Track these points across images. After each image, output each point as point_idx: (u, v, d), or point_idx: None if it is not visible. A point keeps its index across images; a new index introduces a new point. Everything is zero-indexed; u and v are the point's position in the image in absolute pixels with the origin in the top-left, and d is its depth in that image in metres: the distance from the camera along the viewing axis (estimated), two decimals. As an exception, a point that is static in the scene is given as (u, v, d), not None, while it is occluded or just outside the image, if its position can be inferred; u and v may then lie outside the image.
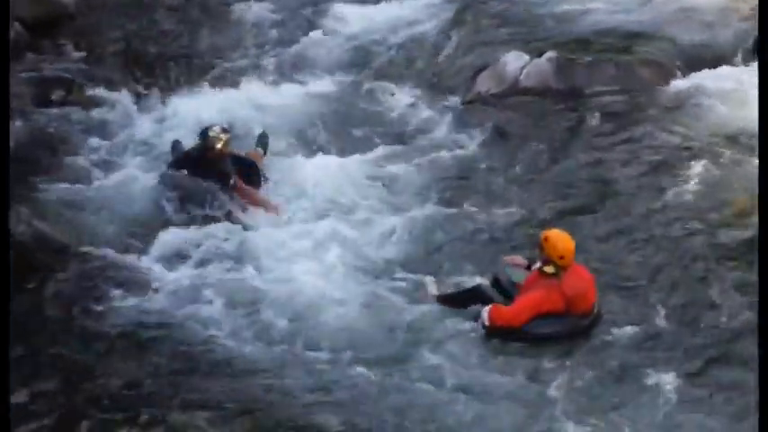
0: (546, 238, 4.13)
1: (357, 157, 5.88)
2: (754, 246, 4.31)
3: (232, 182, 5.10)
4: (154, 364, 3.87)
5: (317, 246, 4.77)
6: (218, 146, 5.03)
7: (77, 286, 4.42)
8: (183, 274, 4.50)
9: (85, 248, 4.67)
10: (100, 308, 4.25)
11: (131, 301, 4.29)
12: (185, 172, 5.10)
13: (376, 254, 4.85)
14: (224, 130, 5.13)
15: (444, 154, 5.82)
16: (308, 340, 4.12)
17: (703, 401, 3.74)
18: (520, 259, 4.58)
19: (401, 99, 6.52)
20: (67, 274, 4.49)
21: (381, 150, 5.96)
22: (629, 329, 4.04)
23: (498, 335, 4.16)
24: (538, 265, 4.22)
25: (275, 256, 4.77)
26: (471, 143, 5.96)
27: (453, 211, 5.22)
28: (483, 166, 5.76)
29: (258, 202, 5.18)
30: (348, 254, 4.80)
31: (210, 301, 4.32)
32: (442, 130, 6.19)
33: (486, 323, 4.17)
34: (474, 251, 4.95)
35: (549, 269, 4.09)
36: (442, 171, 5.68)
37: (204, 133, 5.07)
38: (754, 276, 4.21)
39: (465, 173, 5.70)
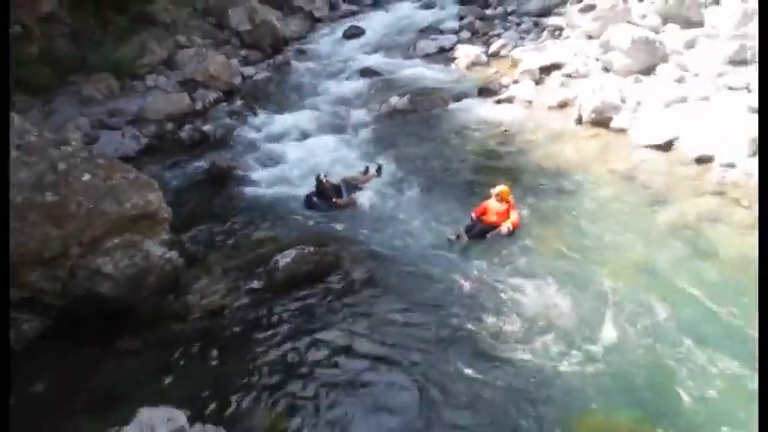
0: (502, 190, 10.01)
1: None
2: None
3: (333, 200, 11.34)
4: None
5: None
6: (323, 179, 11.41)
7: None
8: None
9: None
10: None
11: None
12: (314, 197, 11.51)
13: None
14: (324, 176, 11.48)
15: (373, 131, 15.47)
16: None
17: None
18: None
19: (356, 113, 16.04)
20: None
21: (342, 136, 14.98)
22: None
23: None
24: (492, 200, 10.05)
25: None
26: (383, 127, 15.63)
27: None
28: (396, 131, 14.85)
29: (343, 205, 11.31)
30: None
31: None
32: (372, 124, 15.84)
33: (510, 229, 9.86)
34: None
35: (503, 203, 10.02)
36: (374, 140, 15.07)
37: (317, 178, 11.41)
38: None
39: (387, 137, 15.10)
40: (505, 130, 13.97)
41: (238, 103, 16.60)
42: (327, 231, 10.61)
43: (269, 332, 8.14)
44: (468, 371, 7.40)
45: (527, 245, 9.94)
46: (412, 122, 15.06)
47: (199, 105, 15.93)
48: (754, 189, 10.65)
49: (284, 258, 9.31)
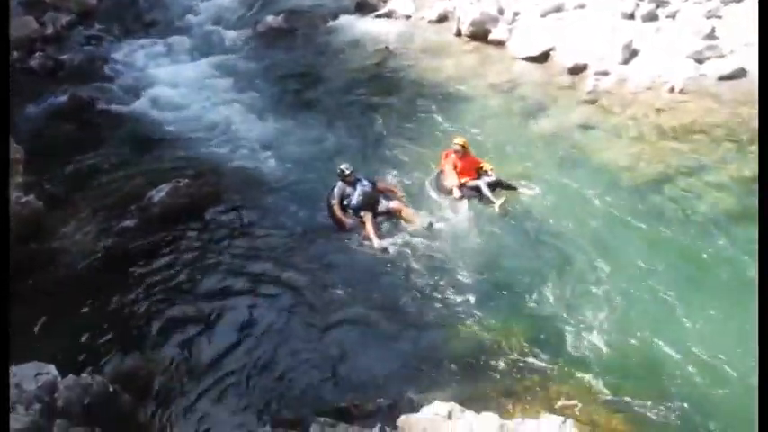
0: (466, 141, 8.80)
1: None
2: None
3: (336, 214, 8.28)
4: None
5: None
6: (346, 172, 8.41)
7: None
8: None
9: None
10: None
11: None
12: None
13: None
14: (347, 167, 8.47)
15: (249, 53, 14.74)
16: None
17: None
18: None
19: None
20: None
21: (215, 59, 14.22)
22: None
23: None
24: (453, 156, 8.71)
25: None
26: (259, 48, 14.74)
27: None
28: (273, 51, 14.13)
29: (343, 225, 8.27)
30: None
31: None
32: (247, 45, 14.90)
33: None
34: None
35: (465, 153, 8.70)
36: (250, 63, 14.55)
37: (341, 170, 8.45)
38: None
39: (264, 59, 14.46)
40: (386, 47, 13.63)
41: (97, 26, 15.04)
42: (204, 160, 9.99)
43: (146, 272, 7.65)
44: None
45: (406, 161, 9.91)
46: (289, 42, 14.44)
47: (50, 30, 14.29)
48: (625, 96, 11.13)
49: (159, 193, 8.74)
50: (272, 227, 8.47)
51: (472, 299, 7.18)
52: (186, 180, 8.97)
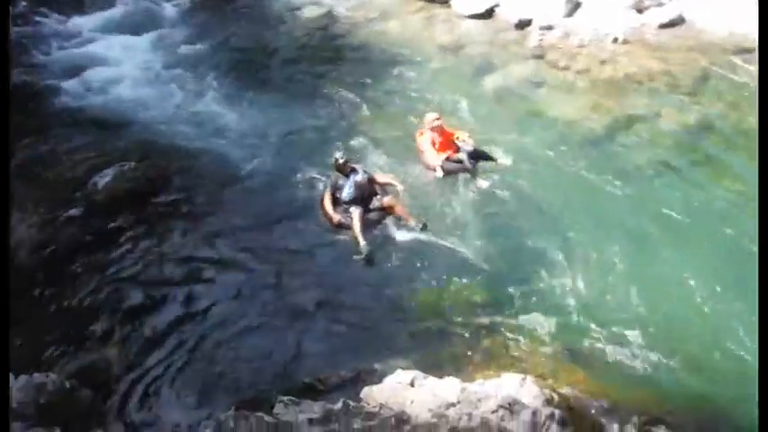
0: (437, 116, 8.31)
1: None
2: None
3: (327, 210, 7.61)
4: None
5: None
6: (340, 161, 7.82)
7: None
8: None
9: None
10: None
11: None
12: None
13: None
14: (342, 156, 7.85)
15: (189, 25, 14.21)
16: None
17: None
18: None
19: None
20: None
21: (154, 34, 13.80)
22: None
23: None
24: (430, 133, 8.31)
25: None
26: (200, 18, 14.23)
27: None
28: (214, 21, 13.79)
29: (334, 222, 7.56)
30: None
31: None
32: (187, 16, 14.47)
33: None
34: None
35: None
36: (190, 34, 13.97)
37: (335, 159, 7.83)
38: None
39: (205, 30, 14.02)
40: (329, 11, 13.32)
41: (23, 4, 14.24)
42: (149, 141, 9.67)
43: (96, 261, 7.43)
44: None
45: (359, 127, 9.81)
46: (230, 10, 13.99)
47: (-29, 11, 13.37)
48: (570, 50, 11.18)
49: (103, 178, 8.46)
50: (225, 211, 8.25)
51: (427, 263, 7.18)
52: (132, 163, 8.67)
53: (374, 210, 7.81)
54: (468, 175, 8.40)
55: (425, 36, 12.22)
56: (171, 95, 10.92)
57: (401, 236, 7.62)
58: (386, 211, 7.80)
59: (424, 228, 7.56)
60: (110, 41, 12.80)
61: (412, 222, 7.63)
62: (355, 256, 7.34)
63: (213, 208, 8.33)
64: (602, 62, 10.83)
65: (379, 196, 7.92)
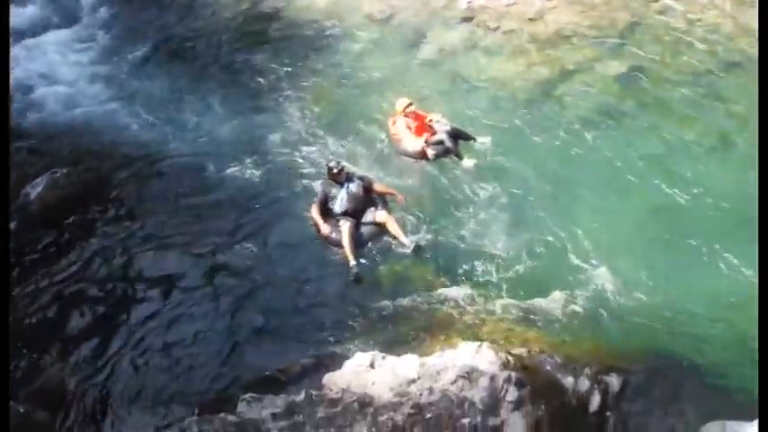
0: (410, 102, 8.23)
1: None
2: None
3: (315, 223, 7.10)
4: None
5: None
6: (334, 170, 7.16)
7: None
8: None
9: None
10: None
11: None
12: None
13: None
14: (336, 164, 7.23)
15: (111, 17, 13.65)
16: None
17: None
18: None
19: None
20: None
21: (73, 28, 13.46)
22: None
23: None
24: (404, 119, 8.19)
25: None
26: (122, 8, 13.79)
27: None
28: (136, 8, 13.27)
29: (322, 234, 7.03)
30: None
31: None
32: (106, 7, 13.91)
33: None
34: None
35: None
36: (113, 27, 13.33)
37: (328, 167, 7.21)
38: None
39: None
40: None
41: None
42: (79, 144, 9.31)
43: (38, 276, 7.19)
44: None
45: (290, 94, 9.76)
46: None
47: None
48: (499, 9, 11.18)
49: (35, 188, 8.15)
50: (165, 211, 8.07)
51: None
52: (64, 169, 8.37)
53: (367, 224, 7.20)
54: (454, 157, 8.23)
55: (353, 8, 11.97)
56: (96, 93, 10.55)
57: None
58: (378, 227, 7.21)
59: (417, 250, 7.01)
60: (26, 39, 12.13)
61: (405, 241, 7.04)
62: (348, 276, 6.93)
63: (150, 206, 8.21)
64: (530, 20, 10.88)
65: (373, 209, 7.28)
